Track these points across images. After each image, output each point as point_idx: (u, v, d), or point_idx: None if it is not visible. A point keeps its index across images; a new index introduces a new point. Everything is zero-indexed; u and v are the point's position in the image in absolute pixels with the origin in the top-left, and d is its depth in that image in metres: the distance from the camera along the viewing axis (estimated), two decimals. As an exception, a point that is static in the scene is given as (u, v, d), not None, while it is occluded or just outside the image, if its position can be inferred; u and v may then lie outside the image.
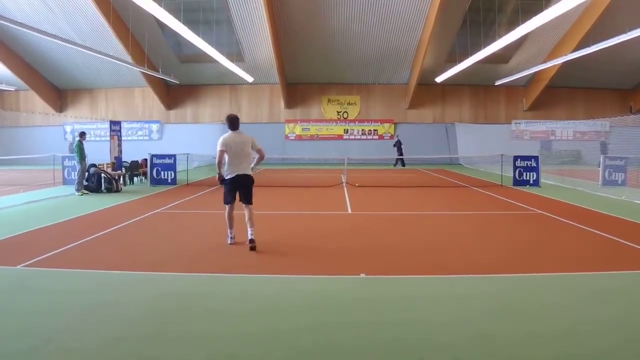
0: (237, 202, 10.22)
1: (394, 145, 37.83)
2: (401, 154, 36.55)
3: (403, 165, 36.80)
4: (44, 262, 8.44)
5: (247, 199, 10.12)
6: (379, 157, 36.69)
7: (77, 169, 18.92)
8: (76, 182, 18.86)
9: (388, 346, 5.23)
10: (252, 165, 10.40)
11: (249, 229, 9.85)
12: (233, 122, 10.06)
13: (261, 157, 10.40)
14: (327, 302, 6.65)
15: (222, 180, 10.19)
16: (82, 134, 19.56)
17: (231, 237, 10.30)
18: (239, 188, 10.11)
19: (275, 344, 5.32)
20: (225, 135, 9.97)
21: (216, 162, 9.98)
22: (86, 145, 19.27)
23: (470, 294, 7.01)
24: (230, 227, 10.37)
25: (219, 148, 9.84)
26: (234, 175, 9.97)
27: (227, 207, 10.35)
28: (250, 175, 10.17)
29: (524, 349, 5.15)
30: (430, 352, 5.10)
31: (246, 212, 10.01)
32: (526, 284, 7.45)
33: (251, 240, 9.69)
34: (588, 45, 23.29)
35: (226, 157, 9.91)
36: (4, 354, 5.03)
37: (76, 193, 18.44)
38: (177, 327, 5.77)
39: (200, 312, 6.28)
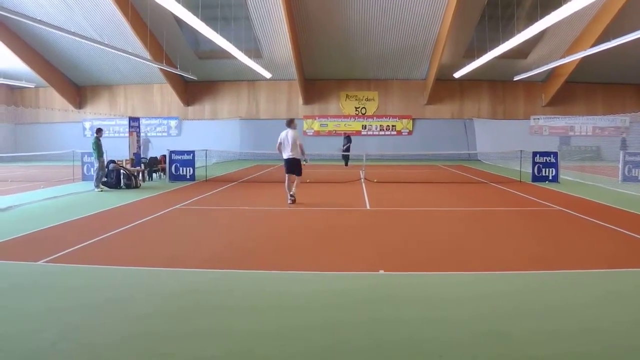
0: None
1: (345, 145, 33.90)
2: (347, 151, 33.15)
3: (346, 164, 33.41)
4: (64, 258, 8.49)
5: (296, 172, 15.40)
6: (397, 152, 36.57)
7: (95, 166, 19.04)
8: (95, 178, 18.97)
9: (407, 344, 5.20)
10: (303, 158, 15.67)
11: (293, 189, 15.26)
12: (288, 123, 15.44)
13: (301, 151, 15.34)
14: (345, 299, 6.60)
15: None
16: (99, 130, 19.64)
17: (290, 198, 15.09)
18: (290, 165, 15.29)
19: (291, 341, 5.31)
20: (282, 132, 15.34)
21: (276, 148, 15.47)
22: (106, 141, 19.34)
23: (489, 291, 6.95)
24: (289, 191, 15.23)
25: (278, 140, 15.33)
26: (287, 157, 15.23)
27: (286, 177, 15.45)
28: (297, 158, 15.24)
29: (542, 348, 5.09)
30: (449, 350, 5.05)
31: (295, 180, 15.43)
32: (545, 282, 7.38)
33: (292, 195, 15.10)
34: (608, 40, 23.05)
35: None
36: (24, 348, 5.06)
37: (95, 189, 18.54)
38: (194, 323, 5.77)
39: (216, 308, 6.27)
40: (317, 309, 6.25)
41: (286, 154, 15.20)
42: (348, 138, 34.19)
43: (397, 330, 5.56)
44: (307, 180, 21.59)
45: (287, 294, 6.88)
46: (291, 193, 15.07)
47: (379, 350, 5.07)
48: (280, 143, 15.27)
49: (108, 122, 39.89)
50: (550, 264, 8.32)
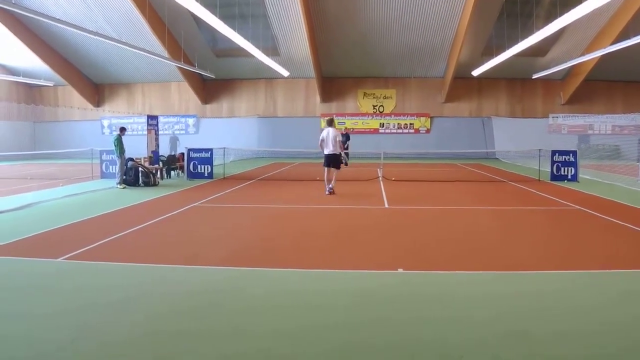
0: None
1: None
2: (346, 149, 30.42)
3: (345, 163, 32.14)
4: (83, 255, 8.52)
5: (335, 166, 17.02)
6: (415, 151, 36.43)
7: (117, 163, 19.15)
8: (117, 175, 19.10)
9: (427, 344, 5.17)
10: (343, 156, 17.93)
11: (332, 182, 16.99)
12: (329, 122, 17.52)
13: (340, 148, 17.16)
14: (364, 298, 6.57)
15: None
16: (123, 129, 19.77)
17: (328, 190, 16.89)
18: (330, 160, 16.90)
19: (310, 340, 5.29)
20: (324, 130, 17.12)
21: (318, 145, 17.14)
22: (125, 139, 19.40)
23: (509, 291, 6.90)
24: (328, 183, 16.95)
25: (320, 138, 17.02)
26: (327, 152, 16.85)
27: (325, 170, 17.12)
28: (336, 153, 16.90)
29: (563, 348, 5.05)
30: (469, 350, 5.00)
31: (334, 173, 17.01)
32: (565, 281, 7.32)
33: (330, 188, 16.87)
34: (628, 37, 22.81)
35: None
36: (42, 345, 5.08)
37: (117, 186, 18.64)
38: (212, 321, 5.77)
39: (234, 307, 6.26)
40: (337, 308, 6.21)
41: (327, 150, 16.85)
42: (347, 136, 31.89)
43: (418, 330, 5.54)
44: (318, 178, 21.62)
45: (305, 292, 6.86)
46: (330, 186, 16.95)
47: (399, 349, 5.04)
48: (322, 140, 16.92)
49: (126, 120, 40.09)
50: (570, 263, 8.27)
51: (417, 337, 5.34)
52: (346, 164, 29.27)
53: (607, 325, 5.62)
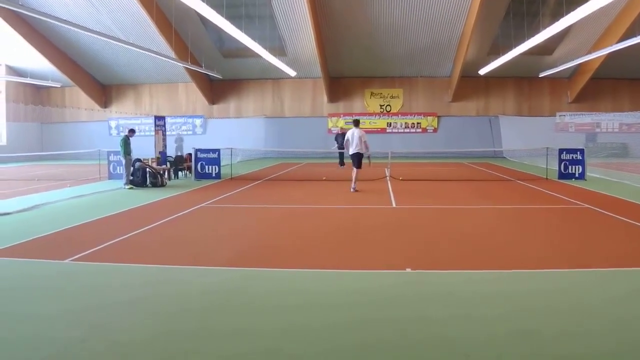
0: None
1: (336, 139, 30.39)
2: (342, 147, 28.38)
3: (342, 163, 29.87)
4: (91, 256, 8.52)
5: (357, 165, 17.76)
6: (423, 150, 36.36)
7: (123, 163, 19.21)
8: (124, 176, 19.20)
9: (433, 342, 5.17)
10: (367, 153, 18.10)
11: (353, 182, 17.56)
12: (356, 123, 18.15)
13: (366, 148, 17.69)
14: (372, 297, 6.57)
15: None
16: (132, 131, 19.91)
17: (353, 187, 17.50)
18: (355, 158, 17.74)
19: (318, 339, 5.28)
20: (349, 131, 17.95)
21: (344, 144, 18.31)
22: (132, 140, 19.46)
23: (516, 289, 6.89)
24: (355, 182, 17.57)
25: (346, 138, 17.99)
26: (352, 152, 17.68)
27: (354, 169, 17.74)
28: (360, 152, 17.61)
29: (570, 347, 5.04)
30: (476, 348, 5.00)
31: (355, 172, 17.67)
32: (573, 280, 7.30)
33: (354, 187, 17.47)
34: (634, 35, 22.70)
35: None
36: (52, 346, 5.07)
37: (125, 187, 18.69)
38: (220, 321, 5.78)
39: (242, 307, 6.26)
40: (344, 307, 6.20)
41: (352, 149, 17.67)
42: (343, 135, 30.89)
43: (425, 328, 5.55)
44: (324, 178, 21.60)
45: (313, 292, 6.85)
46: (354, 186, 17.60)
47: (406, 348, 5.04)
48: (348, 140, 17.81)
49: (134, 121, 40.17)
50: (577, 261, 8.26)
51: (425, 335, 5.34)
52: (342, 164, 28.95)
53: (616, 324, 5.59)
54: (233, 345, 5.12)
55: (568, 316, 5.84)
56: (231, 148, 24.86)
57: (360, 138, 17.45)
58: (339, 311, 6.08)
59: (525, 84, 40.15)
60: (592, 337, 5.27)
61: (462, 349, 5.00)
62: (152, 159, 22.13)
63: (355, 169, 17.74)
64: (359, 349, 5.04)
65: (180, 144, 32.52)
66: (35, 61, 36.66)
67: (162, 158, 23.05)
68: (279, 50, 33.98)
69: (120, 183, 19.40)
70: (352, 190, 17.38)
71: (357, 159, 17.76)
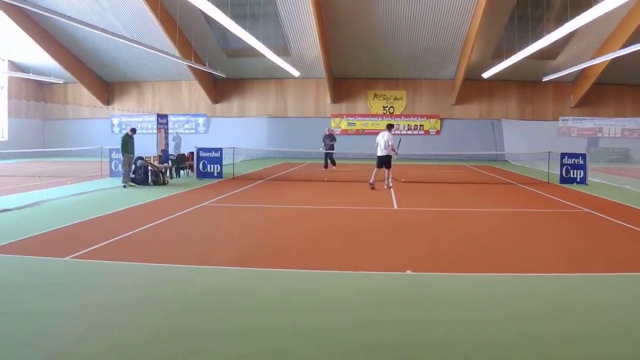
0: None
1: (324, 140, 29.68)
2: (331, 149, 28.96)
3: (333, 163, 29.08)
4: (92, 254, 8.48)
5: (386, 166, 18.85)
6: (425, 152, 36.31)
7: (122, 160, 19.14)
8: (122, 174, 19.07)
9: (434, 345, 5.18)
10: (394, 154, 19.13)
11: (388, 181, 18.83)
12: (388, 127, 19.72)
13: (392, 150, 18.67)
14: (373, 299, 6.58)
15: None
16: (133, 130, 19.87)
17: (371, 183, 18.57)
18: (381, 161, 18.84)
19: (321, 340, 5.27)
20: (380, 134, 19.14)
21: (375, 147, 18.92)
22: (135, 138, 19.43)
23: (517, 293, 6.90)
24: (374, 178, 18.57)
25: (376, 141, 18.96)
26: (379, 154, 18.80)
27: (375, 170, 18.91)
28: (387, 155, 18.67)
29: (574, 351, 5.04)
30: (476, 351, 5.00)
31: (387, 172, 18.83)
32: (575, 284, 7.32)
33: (388, 184, 18.66)
34: (638, 41, 22.67)
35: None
36: (53, 344, 5.05)
37: (123, 185, 18.59)
38: (224, 321, 5.76)
39: (247, 307, 6.23)
40: (346, 309, 6.20)
41: (379, 152, 18.78)
42: (331, 137, 29.78)
43: (427, 331, 5.57)
44: (325, 179, 21.59)
45: (316, 293, 6.85)
46: (389, 182, 18.83)
47: (409, 350, 5.05)
48: (377, 143, 18.91)
49: (136, 119, 40.22)
50: (579, 266, 8.29)
51: (427, 338, 5.36)
52: (334, 163, 28.58)
53: (619, 328, 5.60)
54: (237, 346, 5.10)
55: (572, 320, 5.86)
56: (233, 147, 24.81)
57: (387, 141, 18.55)
58: (341, 312, 6.07)
59: (529, 88, 40.09)
60: (595, 341, 5.28)
61: (462, 351, 5.00)
62: (154, 157, 22.09)
63: (382, 170, 18.91)
64: (360, 351, 5.04)
65: (178, 142, 32.47)
66: (38, 57, 36.61)
67: (164, 156, 22.99)
68: (283, 50, 33.94)
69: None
70: (369, 186, 18.53)
71: (385, 161, 18.87)
